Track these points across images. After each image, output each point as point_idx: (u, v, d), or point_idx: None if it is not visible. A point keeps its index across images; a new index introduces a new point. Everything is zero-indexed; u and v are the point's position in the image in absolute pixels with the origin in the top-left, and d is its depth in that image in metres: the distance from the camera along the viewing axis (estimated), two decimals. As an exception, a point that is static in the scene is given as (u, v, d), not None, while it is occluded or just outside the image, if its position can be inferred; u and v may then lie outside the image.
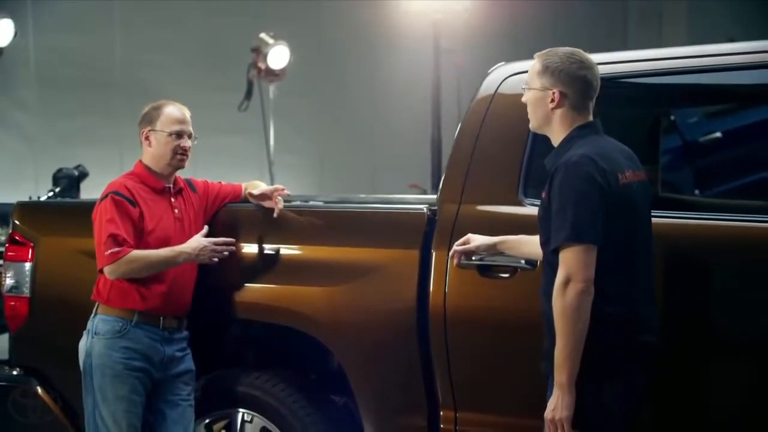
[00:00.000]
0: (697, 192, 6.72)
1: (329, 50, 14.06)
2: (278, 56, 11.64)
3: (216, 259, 4.60)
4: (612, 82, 4.21)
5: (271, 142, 12.02)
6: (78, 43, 13.17)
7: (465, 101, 12.49)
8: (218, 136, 11.53)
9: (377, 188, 13.72)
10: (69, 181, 7.51)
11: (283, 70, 11.73)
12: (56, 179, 7.59)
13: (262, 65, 11.61)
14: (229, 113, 11.53)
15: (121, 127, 13.20)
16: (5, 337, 8.90)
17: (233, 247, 4.64)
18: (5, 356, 8.80)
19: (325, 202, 5.85)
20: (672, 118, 6.38)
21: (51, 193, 7.32)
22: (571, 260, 3.56)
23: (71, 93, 13.27)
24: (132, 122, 12.91)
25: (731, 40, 12.95)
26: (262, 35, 11.62)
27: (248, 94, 11.62)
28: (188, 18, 13.62)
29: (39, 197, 7.06)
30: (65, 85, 13.23)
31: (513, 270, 4.16)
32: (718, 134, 7.56)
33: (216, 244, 4.60)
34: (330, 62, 14.11)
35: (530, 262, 4.10)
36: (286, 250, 4.64)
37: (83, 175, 7.71)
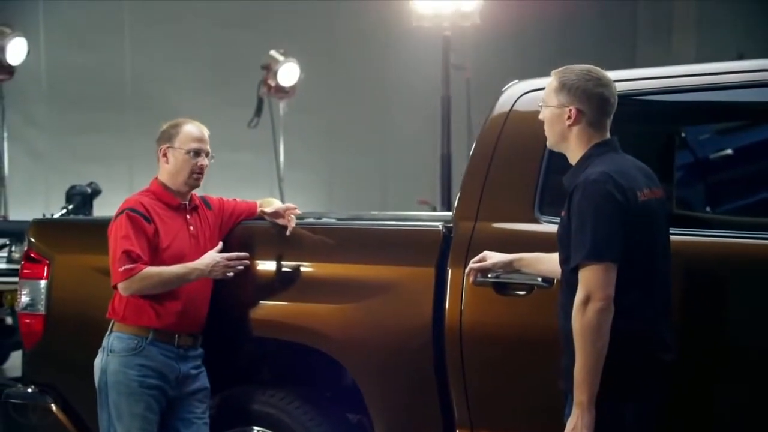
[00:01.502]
0: (708, 209, 6.69)
1: (339, 67, 14.08)
2: (288, 73, 11.66)
3: (230, 274, 4.59)
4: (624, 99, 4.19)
5: (281, 158, 12.02)
6: (89, 60, 13.20)
7: (475, 117, 12.64)
8: (228, 152, 11.51)
9: (387, 204, 13.71)
10: (82, 198, 7.51)
11: (293, 87, 11.74)
12: (69, 196, 7.60)
13: (272, 82, 11.63)
14: (239, 130, 11.53)
15: (132, 143, 13.25)
16: (18, 354, 8.94)
17: (247, 262, 4.62)
18: (17, 373, 8.85)
19: (338, 219, 5.84)
20: (683, 135, 6.37)
21: (64, 210, 7.31)
22: (591, 279, 3.55)
23: (82, 110, 13.29)
24: (142, 139, 12.95)
25: (741, 56, 12.99)
26: (273, 52, 11.63)
27: (258, 110, 11.63)
28: (199, 35, 13.64)
29: (53, 214, 7.05)
30: (76, 102, 13.26)
31: (530, 288, 4.14)
32: (729, 151, 7.54)
33: (229, 259, 4.58)
34: (340, 79, 14.12)
35: (547, 280, 4.08)
36: (302, 268, 4.62)
37: (96, 192, 7.71)
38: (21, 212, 10.71)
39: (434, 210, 11.97)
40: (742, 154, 7.67)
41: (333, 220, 5.66)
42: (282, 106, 11.91)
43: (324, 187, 14.27)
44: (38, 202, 12.30)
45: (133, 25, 13.54)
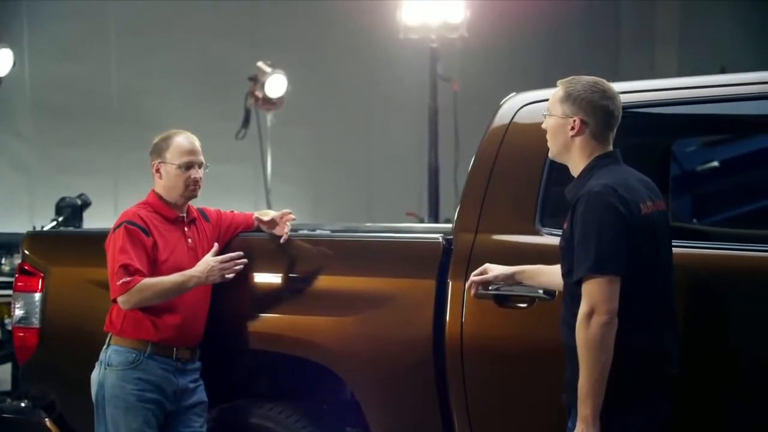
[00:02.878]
0: (695, 221, 6.72)
1: (326, 78, 14.06)
2: (276, 85, 11.62)
3: (230, 276, 4.55)
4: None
5: (269, 170, 11.99)
6: (74, 71, 13.13)
7: (462, 129, 12.62)
8: (215, 164, 11.44)
9: (373, 216, 13.69)
10: (72, 210, 7.47)
11: (280, 99, 11.70)
12: (59, 208, 7.56)
13: (259, 94, 11.58)
14: (226, 141, 11.49)
15: (118, 156, 13.20)
16: (6, 367, 8.88)
17: (244, 261, 4.59)
18: (5, 387, 8.79)
19: (332, 231, 5.81)
20: (673, 147, 6.39)
21: (54, 222, 7.27)
22: (594, 292, 3.54)
23: (67, 121, 13.22)
24: (128, 152, 12.88)
25: (723, 69, 13.05)
26: (260, 64, 11.60)
27: (246, 122, 11.59)
28: (185, 46, 13.60)
29: (43, 227, 7.01)
30: (61, 114, 13.18)
31: (531, 300, 4.12)
32: (715, 163, 7.58)
33: (222, 261, 4.55)
34: (327, 90, 14.11)
35: (548, 292, 4.06)
36: (301, 280, 4.60)
37: (86, 204, 7.67)
38: (5, 225, 10.66)
39: (422, 222, 11.95)
40: (729, 166, 7.73)
41: (327, 232, 5.64)
42: (269, 117, 11.87)
43: (310, 198, 14.24)
44: (23, 215, 12.25)
45: (119, 36, 13.47)
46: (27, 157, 13.07)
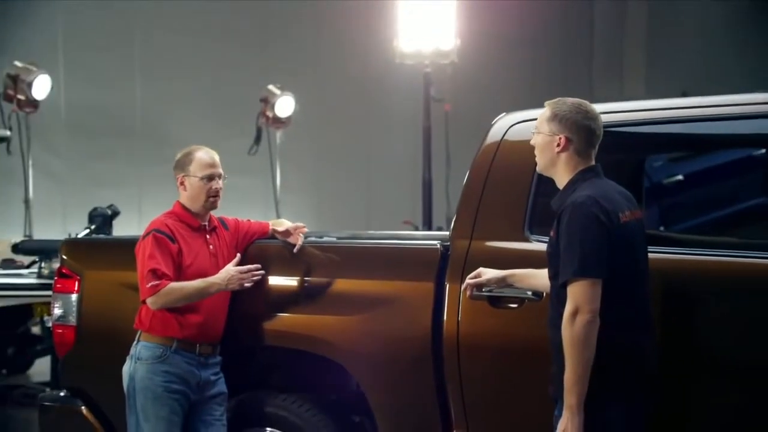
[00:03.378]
0: (662, 228, 6.71)
1: (329, 100, 14.04)
2: (284, 105, 11.58)
3: (248, 285, 4.52)
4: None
5: (278, 182, 11.96)
6: (103, 95, 13.12)
7: (453, 145, 12.60)
8: (229, 177, 11.47)
9: (372, 224, 13.65)
10: (103, 219, 7.42)
11: (288, 118, 11.67)
12: (91, 217, 7.51)
13: (269, 114, 11.55)
14: (239, 157, 11.44)
15: (141, 170, 13.18)
16: (42, 360, 8.86)
17: (262, 272, 4.56)
18: (42, 378, 8.78)
19: (338, 238, 5.78)
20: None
21: (87, 230, 7.23)
22: (578, 293, 3.53)
23: (97, 139, 13.20)
24: (150, 166, 12.84)
25: (685, 93, 13.07)
26: (270, 87, 11.57)
27: (257, 139, 11.56)
28: (202, 72, 13.58)
29: (77, 234, 6.97)
30: (91, 132, 13.17)
31: (521, 301, 4.10)
32: (680, 177, 7.59)
33: (242, 272, 4.52)
34: (330, 111, 14.08)
35: (537, 294, 4.05)
36: (312, 283, 4.57)
37: (115, 214, 7.63)
38: (41, 232, 10.62)
39: (417, 229, 11.92)
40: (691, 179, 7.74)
41: (333, 239, 5.60)
42: (279, 135, 11.85)
43: (314, 207, 14.20)
44: (56, 223, 12.22)
45: (143, 65, 13.46)
46: (61, 171, 13.05)
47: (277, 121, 11.64)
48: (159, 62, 13.53)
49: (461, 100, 13.28)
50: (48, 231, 10.91)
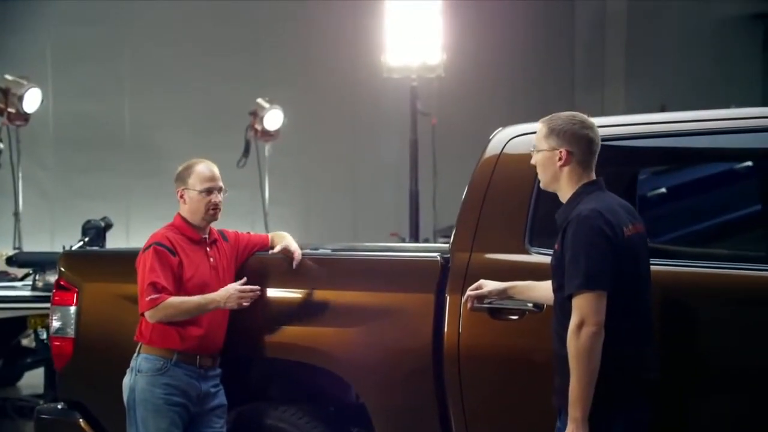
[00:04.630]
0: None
1: (318, 113, 14.01)
2: (273, 119, 11.57)
3: (245, 304, 4.48)
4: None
5: (266, 195, 11.92)
6: (92, 108, 13.08)
7: (439, 158, 12.59)
8: (218, 190, 11.42)
9: (358, 237, 13.62)
10: (96, 232, 7.35)
11: (277, 131, 11.66)
12: (85, 230, 7.43)
13: (258, 127, 11.54)
14: (228, 170, 11.37)
15: (129, 183, 13.13)
16: (32, 373, 8.77)
17: (258, 293, 4.51)
18: (30, 391, 8.68)
19: (333, 250, 5.74)
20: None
21: (81, 243, 7.16)
22: (584, 306, 3.50)
23: (85, 152, 13.16)
24: (139, 178, 12.79)
25: (663, 107, 13.13)
26: (259, 100, 11.56)
27: (246, 152, 11.53)
28: (191, 85, 13.53)
29: (71, 246, 6.90)
30: (80, 146, 13.13)
31: (522, 312, 4.07)
32: (663, 190, 7.60)
33: (241, 291, 4.48)
34: (318, 124, 14.05)
35: (537, 306, 4.02)
36: (313, 295, 4.53)
37: (108, 226, 7.55)
38: (29, 244, 10.55)
39: (403, 241, 11.89)
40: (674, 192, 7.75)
41: (329, 251, 5.56)
42: (267, 148, 11.82)
43: (302, 219, 14.15)
44: (44, 236, 12.15)
45: (132, 77, 13.42)
46: (49, 184, 12.99)
47: (266, 134, 11.61)
48: (148, 76, 13.50)
49: (447, 114, 13.30)
50: (36, 244, 10.85)
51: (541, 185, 3.85)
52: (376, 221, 13.87)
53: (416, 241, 11.65)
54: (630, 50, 16.48)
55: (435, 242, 11.84)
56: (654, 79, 15.67)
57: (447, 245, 7.32)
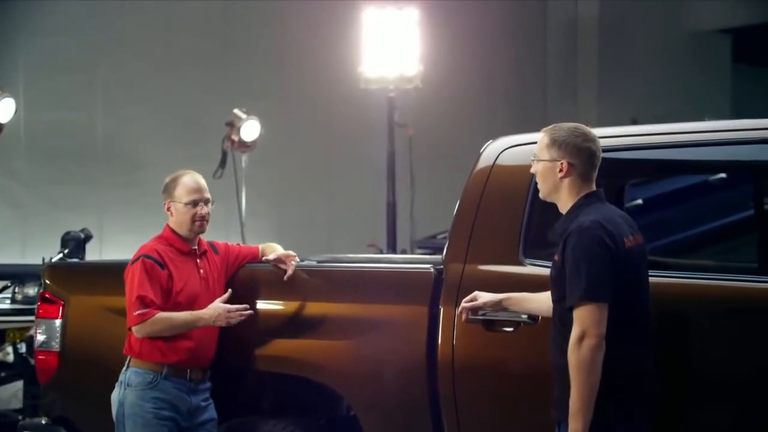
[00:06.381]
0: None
1: (295, 124, 13.93)
2: (250, 129, 11.47)
3: (234, 323, 4.43)
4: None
5: (243, 206, 11.84)
6: (64, 117, 12.91)
7: (416, 169, 12.57)
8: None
9: (334, 248, 13.55)
10: (76, 243, 7.25)
11: (254, 142, 11.57)
12: (64, 242, 7.32)
13: (235, 137, 11.42)
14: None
15: (102, 194, 12.97)
16: (6, 387, 8.63)
17: (249, 312, 4.46)
18: (5, 406, 8.55)
19: (318, 262, 5.70)
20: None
21: (60, 255, 7.07)
22: (585, 318, 3.49)
23: (57, 163, 12.99)
24: (112, 189, 12.65)
25: (634, 120, 13.23)
26: (236, 110, 11.46)
27: (222, 163, 11.43)
28: (166, 95, 13.40)
29: (51, 258, 6.80)
30: (52, 156, 12.95)
31: (516, 324, 4.05)
32: (639, 201, 7.64)
33: (230, 311, 4.42)
34: (295, 135, 13.96)
35: (532, 317, 4.00)
36: (304, 307, 4.49)
37: (88, 238, 7.45)
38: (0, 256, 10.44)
39: (381, 252, 11.85)
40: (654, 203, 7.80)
41: (314, 263, 5.52)
42: (244, 159, 11.75)
43: (277, 231, 14.04)
44: (15, 248, 11.99)
45: (105, 87, 13.27)
46: (20, 195, 12.82)
47: (243, 145, 11.52)
48: (122, 86, 13.36)
49: (424, 125, 13.27)
50: (6, 255, 10.73)
51: (541, 195, 3.83)
52: (352, 232, 13.81)
53: (394, 252, 11.62)
54: (602, 63, 16.63)
55: (413, 253, 11.82)
56: (625, 94, 15.80)
57: (429, 256, 7.37)
